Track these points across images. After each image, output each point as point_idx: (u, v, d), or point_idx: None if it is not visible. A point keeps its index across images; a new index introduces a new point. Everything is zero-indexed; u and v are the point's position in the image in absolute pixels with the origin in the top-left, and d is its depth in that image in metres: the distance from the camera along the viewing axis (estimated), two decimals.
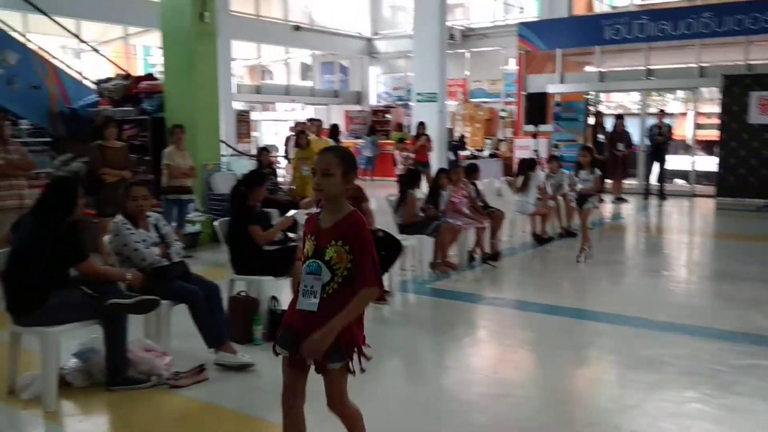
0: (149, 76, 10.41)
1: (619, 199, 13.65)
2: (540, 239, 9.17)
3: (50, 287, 3.90)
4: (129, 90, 10.00)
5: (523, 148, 15.72)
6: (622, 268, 8.21)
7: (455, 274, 7.36)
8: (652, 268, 8.12)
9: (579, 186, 8.48)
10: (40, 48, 11.37)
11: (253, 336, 4.94)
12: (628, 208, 13.17)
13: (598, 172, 8.34)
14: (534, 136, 15.06)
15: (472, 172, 8.60)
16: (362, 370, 2.71)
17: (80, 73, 11.87)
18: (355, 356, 2.68)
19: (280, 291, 5.38)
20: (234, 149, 13.18)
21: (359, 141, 20.06)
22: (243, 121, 18.27)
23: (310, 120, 12.16)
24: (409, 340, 5.36)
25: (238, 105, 19.41)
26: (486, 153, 18.44)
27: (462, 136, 19.54)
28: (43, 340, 3.86)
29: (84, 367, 4.20)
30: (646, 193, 14.59)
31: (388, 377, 4.52)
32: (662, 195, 14.19)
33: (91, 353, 4.22)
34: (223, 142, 13.25)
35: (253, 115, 21.53)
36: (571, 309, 6.01)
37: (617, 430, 3.64)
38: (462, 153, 17.49)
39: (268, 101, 21.25)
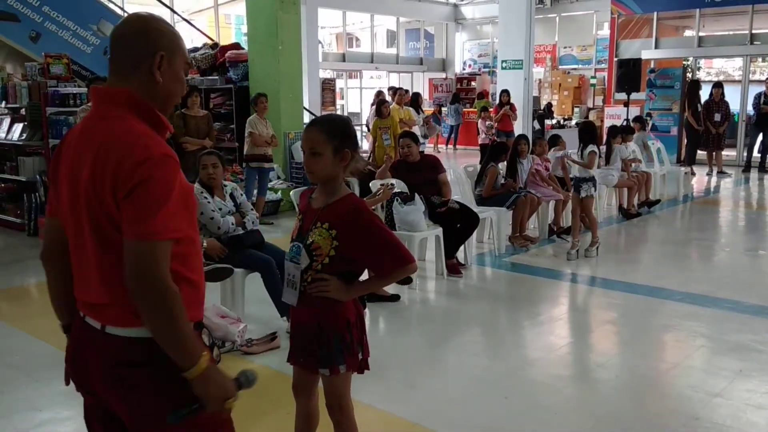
0: (235, 45, 10.58)
1: (721, 173, 12.91)
2: (627, 213, 8.80)
3: None
4: (216, 59, 10.21)
5: (614, 116, 15.06)
6: (713, 246, 7.75)
7: (534, 248, 7.18)
8: (748, 246, 7.64)
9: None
10: None
11: None
12: (726, 182, 12.43)
13: (592, 148, 6.73)
14: (626, 104, 14.38)
15: (555, 142, 8.30)
16: (361, 372, 2.49)
17: None
18: (350, 361, 2.39)
19: None
20: (314, 115, 13.30)
21: (443, 109, 19.82)
22: (328, 89, 18.39)
23: (393, 88, 12.03)
24: (482, 315, 5.28)
25: (324, 73, 19.57)
26: (573, 122, 17.80)
27: (549, 105, 18.94)
28: None
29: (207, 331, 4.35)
30: (747, 165, 13.71)
31: (459, 352, 4.47)
32: (764, 168, 13.30)
33: None
34: (306, 110, 13.43)
35: (340, 83, 21.66)
36: (655, 288, 5.73)
37: (696, 420, 3.44)
38: (548, 122, 16.97)
39: (353, 69, 21.25)
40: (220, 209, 4.63)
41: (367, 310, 5.06)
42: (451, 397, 3.72)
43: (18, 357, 4.29)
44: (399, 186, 5.99)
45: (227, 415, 1.74)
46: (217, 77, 10.06)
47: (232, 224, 4.60)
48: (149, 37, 1.71)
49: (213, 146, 7.93)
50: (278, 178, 9.14)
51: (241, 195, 4.86)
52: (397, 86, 12.12)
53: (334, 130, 2.32)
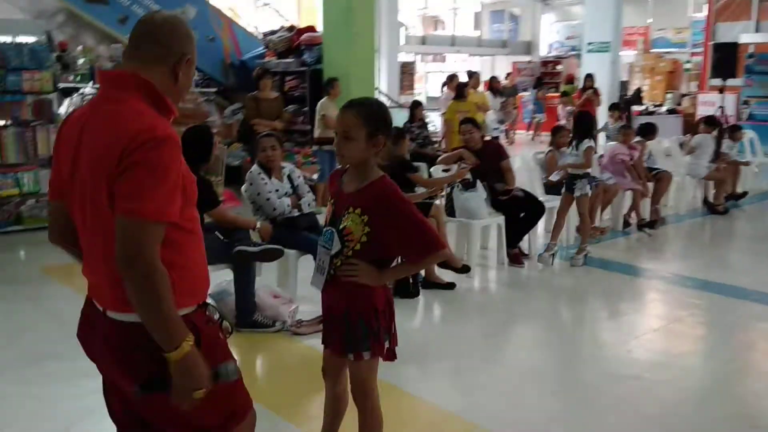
0: (311, 28, 10.65)
1: None
2: (712, 208, 8.31)
3: None
4: (292, 42, 10.31)
5: (707, 104, 14.26)
6: None
7: (605, 240, 6.90)
8: None
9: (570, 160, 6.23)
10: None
11: None
12: None
13: (588, 143, 5.98)
14: (721, 90, 13.58)
15: (649, 132, 7.91)
16: (389, 360, 2.43)
17: (255, 28, 12.44)
18: (376, 348, 2.34)
19: None
20: (393, 101, 13.27)
21: (525, 94, 19.33)
22: (407, 73, 18.32)
23: (470, 72, 11.83)
24: (541, 308, 5.11)
25: (408, 56, 19.50)
26: (664, 108, 16.97)
27: (639, 90, 18.12)
28: None
29: (217, 307, 4.45)
30: None
31: (511, 345, 4.36)
32: None
33: (225, 294, 4.46)
34: (382, 93, 13.43)
35: (424, 67, 21.55)
36: (734, 287, 5.39)
37: (754, 429, 3.21)
38: (636, 108, 16.24)
39: (433, 52, 21.06)
40: (277, 191, 4.67)
41: (421, 297, 5.04)
42: (497, 391, 3.62)
43: None
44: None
45: (197, 402, 1.70)
46: (292, 60, 10.17)
47: (288, 206, 4.64)
48: (183, 38, 1.79)
49: (285, 128, 8.06)
50: None
51: (299, 177, 4.90)
52: (474, 70, 11.90)
53: (369, 114, 2.27)
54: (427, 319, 4.89)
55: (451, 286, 5.26)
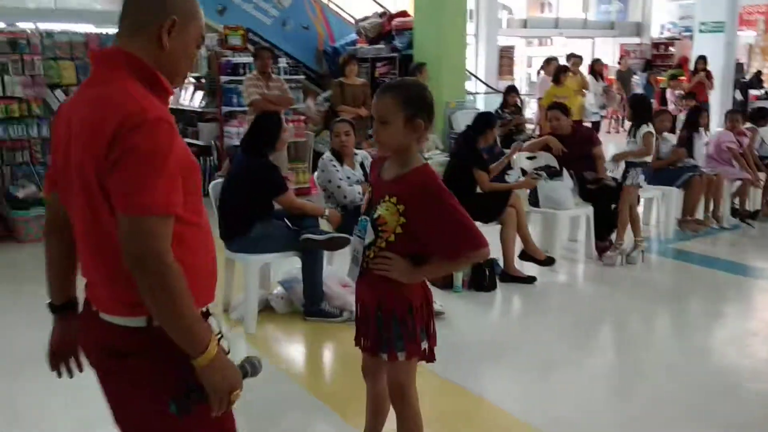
0: (403, 13, 10.51)
1: None
2: None
3: (254, 218, 4.13)
4: (383, 27, 10.22)
5: None
6: None
7: (708, 235, 6.38)
8: None
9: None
10: None
11: (453, 283, 4.80)
12: None
13: (646, 128, 5.50)
14: None
15: (761, 117, 7.25)
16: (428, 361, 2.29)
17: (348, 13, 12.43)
18: (411, 349, 2.20)
19: (487, 238, 5.09)
20: (488, 86, 12.91)
21: (635, 77, 18.29)
22: (506, 57, 17.84)
23: (571, 55, 11.29)
24: (627, 306, 4.76)
25: (511, 40, 18.95)
26: None
27: (758, 73, 16.74)
28: (246, 267, 4.14)
29: (287, 295, 4.45)
30: None
31: (587, 346, 4.07)
32: None
33: (294, 282, 4.43)
34: (476, 78, 13.10)
35: (530, 51, 20.86)
36: None
37: None
38: (754, 92, 15.02)
39: (535, 36, 20.36)
40: (348, 178, 4.59)
41: (497, 291, 4.82)
42: (563, 394, 3.38)
43: None
44: (546, 160, 5.57)
45: (230, 408, 1.59)
46: (383, 45, 10.08)
47: (359, 194, 4.55)
48: None
49: (369, 115, 7.98)
50: (436, 148, 8.99)
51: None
52: (577, 53, 11.32)
53: (406, 97, 2.11)
54: (501, 315, 4.67)
55: (531, 279, 5.00)
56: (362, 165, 4.72)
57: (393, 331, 2.17)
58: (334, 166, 4.57)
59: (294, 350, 4.17)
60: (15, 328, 4.10)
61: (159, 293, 1.43)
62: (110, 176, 1.43)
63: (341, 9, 11.84)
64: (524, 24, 19.40)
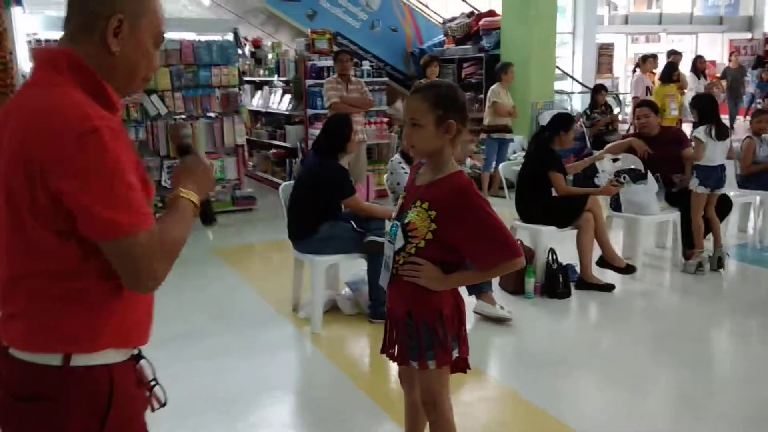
0: (491, 12, 10.36)
1: None
2: None
3: (322, 219, 4.18)
4: (470, 28, 10.12)
5: None
6: None
7: None
8: None
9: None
10: None
11: (524, 288, 4.66)
12: None
13: (699, 132, 5.00)
14: None
15: None
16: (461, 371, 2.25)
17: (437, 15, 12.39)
18: (442, 358, 2.13)
19: (562, 243, 4.93)
20: (583, 85, 12.49)
21: (747, 75, 17.16)
22: (605, 55, 17.21)
23: (671, 53, 10.72)
24: (714, 319, 4.45)
25: (614, 37, 18.25)
26: None
27: None
28: (313, 267, 4.19)
29: (353, 296, 4.47)
30: None
31: (664, 360, 3.80)
32: None
33: (361, 284, 4.44)
34: (571, 77, 12.71)
35: (634, 48, 20.05)
36: None
37: None
38: None
39: (637, 32, 19.50)
40: None
41: (573, 298, 4.65)
42: (631, 410, 3.20)
43: (237, 308, 4.72)
44: (631, 162, 5.31)
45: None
46: (470, 46, 9.97)
47: None
48: None
49: None
50: (522, 149, 8.78)
51: None
52: (678, 50, 10.73)
53: (437, 98, 2.07)
54: (573, 324, 4.48)
55: (609, 287, 4.78)
56: None
57: (423, 339, 2.12)
58: (403, 168, 4.54)
59: (357, 352, 4.18)
60: None
61: (171, 257, 1.36)
62: (71, 201, 1.25)
63: (429, 10, 11.82)
64: (626, 20, 18.65)
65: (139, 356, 1.45)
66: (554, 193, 4.87)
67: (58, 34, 7.49)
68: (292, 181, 4.53)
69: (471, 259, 2.12)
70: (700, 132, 5.02)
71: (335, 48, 8.71)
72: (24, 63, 6.91)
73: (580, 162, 5.47)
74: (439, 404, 2.20)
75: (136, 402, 1.43)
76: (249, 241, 6.73)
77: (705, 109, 5.18)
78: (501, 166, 5.47)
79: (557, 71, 10.69)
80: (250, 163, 10.22)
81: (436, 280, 2.09)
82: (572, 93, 11.99)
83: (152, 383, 1.45)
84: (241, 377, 3.59)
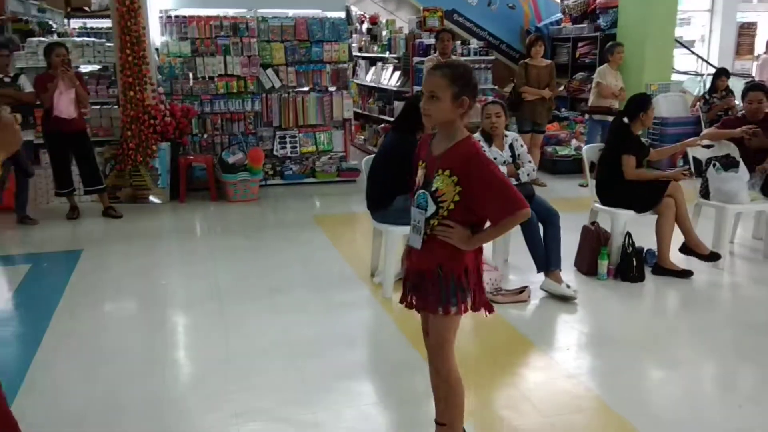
0: None
1: None
2: None
3: (396, 192, 4.44)
4: (588, 6, 9.89)
5: None
6: None
7: None
8: None
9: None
10: None
11: (597, 270, 4.71)
12: None
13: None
14: None
15: None
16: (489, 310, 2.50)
17: None
18: (461, 306, 2.41)
19: (640, 227, 4.90)
20: (710, 65, 11.82)
21: None
22: (746, 35, 16.03)
23: None
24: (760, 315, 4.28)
25: (757, 16, 16.96)
26: None
27: None
28: (387, 237, 4.48)
29: None
30: None
31: (724, 353, 3.73)
32: None
33: None
34: (702, 59, 12.05)
35: None
36: None
37: None
38: None
39: None
40: (495, 159, 4.69)
41: (647, 283, 4.66)
42: (682, 401, 3.20)
43: (323, 269, 5.13)
44: (727, 148, 5.14)
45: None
46: (586, 25, 9.75)
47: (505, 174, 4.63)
48: None
49: (552, 97, 7.88)
50: None
51: (522, 146, 4.84)
52: None
53: (456, 76, 2.33)
54: (643, 308, 4.46)
55: (686, 274, 4.72)
56: (511, 146, 4.79)
57: (451, 288, 2.40)
58: (482, 146, 4.70)
59: (418, 317, 4.39)
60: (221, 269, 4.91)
61: None
62: None
63: None
64: None
65: None
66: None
67: (188, 11, 8.15)
68: (372, 156, 4.82)
69: (486, 215, 2.38)
70: None
71: (446, 25, 8.88)
72: (156, 37, 7.66)
73: (670, 147, 5.37)
74: (445, 350, 2.49)
75: None
76: (347, 210, 7.14)
77: None
78: (585, 148, 5.45)
79: (686, 51, 10.19)
80: (361, 137, 10.65)
81: (465, 240, 2.36)
82: (703, 75, 11.41)
83: None
84: (314, 329, 3.98)
